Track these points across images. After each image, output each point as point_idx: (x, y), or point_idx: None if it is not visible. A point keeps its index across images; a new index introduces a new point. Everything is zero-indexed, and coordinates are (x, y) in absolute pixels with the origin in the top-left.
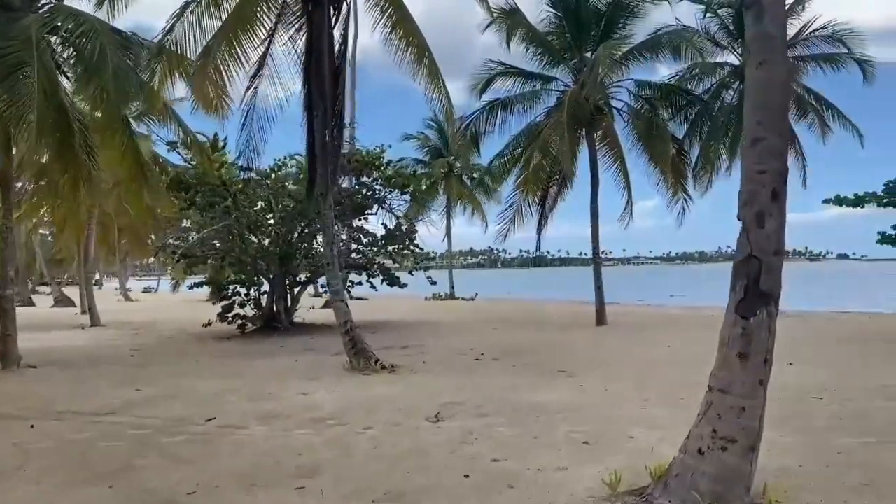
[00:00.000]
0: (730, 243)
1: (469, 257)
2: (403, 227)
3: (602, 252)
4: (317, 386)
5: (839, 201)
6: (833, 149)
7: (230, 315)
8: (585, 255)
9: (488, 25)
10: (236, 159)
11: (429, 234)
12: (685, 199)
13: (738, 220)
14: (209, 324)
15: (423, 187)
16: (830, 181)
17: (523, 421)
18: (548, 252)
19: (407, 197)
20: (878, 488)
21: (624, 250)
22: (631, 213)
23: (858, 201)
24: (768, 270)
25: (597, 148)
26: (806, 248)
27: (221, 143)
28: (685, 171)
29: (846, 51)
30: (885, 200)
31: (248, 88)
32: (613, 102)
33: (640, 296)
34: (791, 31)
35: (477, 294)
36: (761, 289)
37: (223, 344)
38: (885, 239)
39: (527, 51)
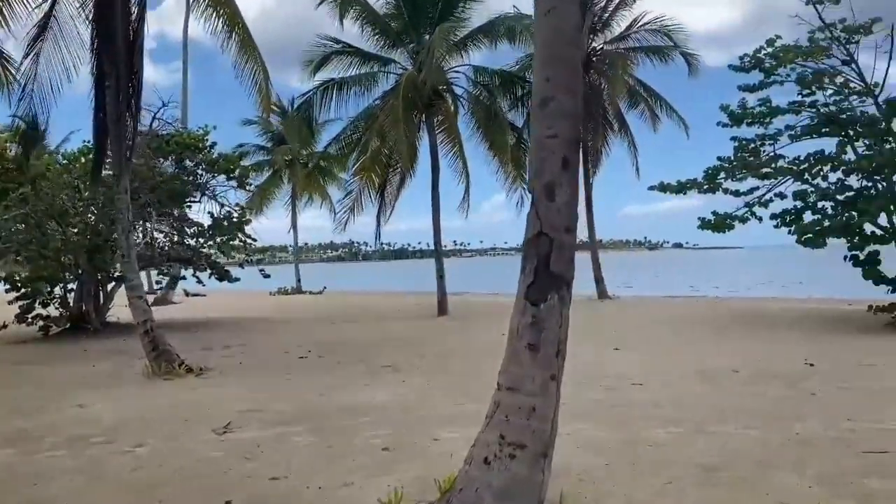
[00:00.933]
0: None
1: (329, 250)
2: (234, 217)
3: (460, 243)
4: (102, 395)
5: (663, 188)
6: (670, 145)
7: (30, 316)
8: (447, 246)
9: (320, 3)
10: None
11: (259, 224)
12: (523, 189)
13: (528, 192)
14: (4, 326)
15: (251, 172)
16: (665, 174)
17: (324, 427)
18: (408, 244)
19: (234, 183)
20: (682, 487)
21: (481, 241)
22: (468, 202)
23: (681, 188)
24: (559, 249)
25: (436, 135)
26: (645, 237)
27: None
28: (525, 160)
29: (673, 45)
30: (704, 187)
31: (26, 55)
32: (455, 89)
33: (492, 286)
34: (623, 24)
35: (325, 287)
36: (552, 270)
37: (15, 349)
38: (704, 225)
39: (363, 31)
